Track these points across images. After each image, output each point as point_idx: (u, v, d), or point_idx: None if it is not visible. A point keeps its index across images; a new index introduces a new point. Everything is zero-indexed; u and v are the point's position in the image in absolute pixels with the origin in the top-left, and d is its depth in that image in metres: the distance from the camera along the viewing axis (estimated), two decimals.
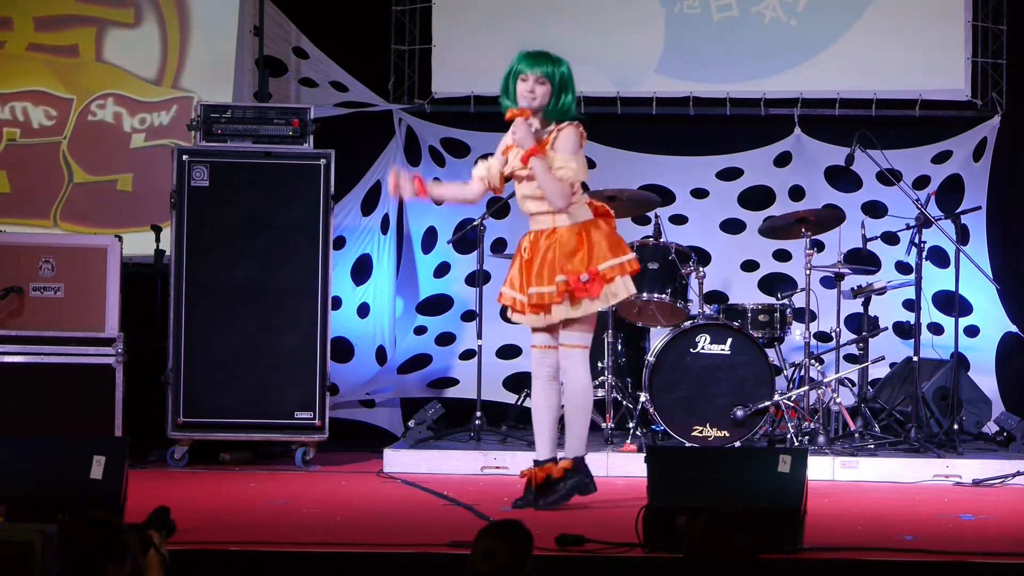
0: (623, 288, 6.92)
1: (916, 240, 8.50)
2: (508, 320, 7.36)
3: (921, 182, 9.53)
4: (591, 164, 9.63)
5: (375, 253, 9.81)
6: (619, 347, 8.79)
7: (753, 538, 4.13)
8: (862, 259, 8.85)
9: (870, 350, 8.79)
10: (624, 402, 8.67)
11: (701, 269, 8.68)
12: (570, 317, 6.84)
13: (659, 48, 9.83)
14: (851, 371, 8.83)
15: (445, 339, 9.80)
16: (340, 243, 9.61)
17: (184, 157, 8.42)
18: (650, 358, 8.40)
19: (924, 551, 5.87)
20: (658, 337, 8.62)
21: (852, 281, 8.84)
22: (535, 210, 6.93)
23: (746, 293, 9.53)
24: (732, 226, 9.84)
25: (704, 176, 9.86)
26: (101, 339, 8.32)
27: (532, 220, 6.97)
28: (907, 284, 8.85)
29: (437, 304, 9.90)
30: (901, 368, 9.16)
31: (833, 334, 8.69)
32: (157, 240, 9.05)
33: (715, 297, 9.47)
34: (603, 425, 8.52)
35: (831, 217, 8.85)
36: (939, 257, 9.45)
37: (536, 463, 7.00)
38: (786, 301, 8.74)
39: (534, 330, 7.02)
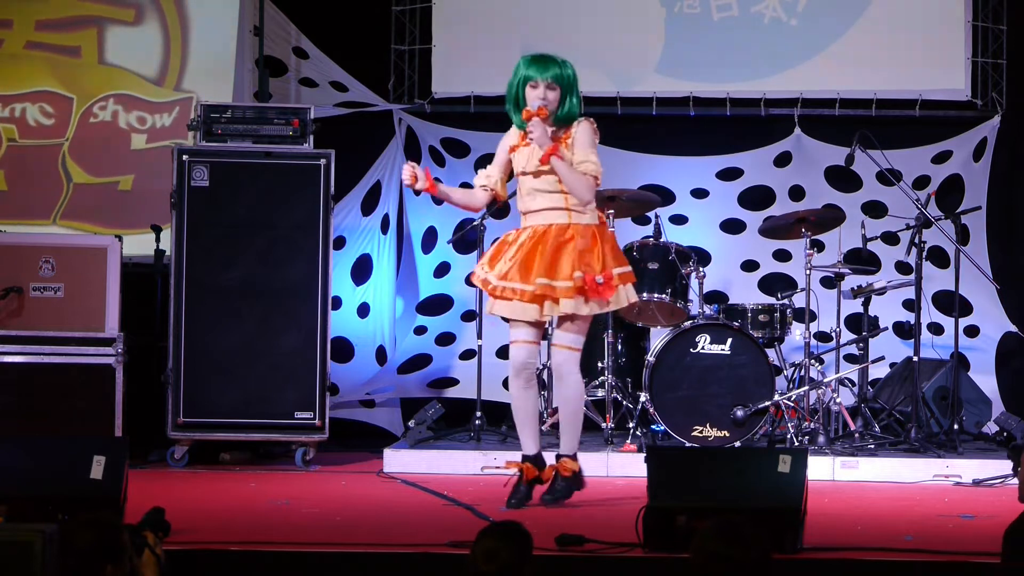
0: (625, 296, 6.96)
1: (916, 240, 8.50)
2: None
3: (921, 182, 9.53)
4: None
5: (375, 253, 9.82)
6: (619, 347, 8.79)
7: (765, 542, 4.10)
8: (862, 259, 8.85)
9: (870, 350, 8.79)
10: (624, 402, 8.67)
11: (701, 269, 8.69)
12: (578, 312, 6.83)
13: (659, 48, 9.83)
14: (851, 371, 8.84)
15: (445, 339, 9.80)
16: (340, 243, 9.61)
17: (184, 157, 8.42)
18: (650, 358, 8.40)
19: (924, 551, 5.87)
20: (658, 337, 8.62)
21: (852, 281, 8.84)
22: (546, 205, 6.91)
23: (746, 293, 9.53)
24: (732, 226, 9.84)
25: (704, 176, 9.86)
26: (101, 339, 8.32)
27: (536, 215, 6.93)
28: (907, 284, 8.85)
29: (437, 304, 9.91)
30: (901, 368, 9.16)
31: (833, 334, 8.69)
32: (157, 240, 9.05)
33: (715, 297, 9.47)
34: (603, 425, 8.52)
35: (831, 217, 8.85)
36: (939, 257, 9.46)
37: (527, 458, 7.01)
38: (786, 301, 8.75)
39: (516, 324, 6.95)
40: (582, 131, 6.92)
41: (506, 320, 7.04)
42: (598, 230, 6.92)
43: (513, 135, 7.06)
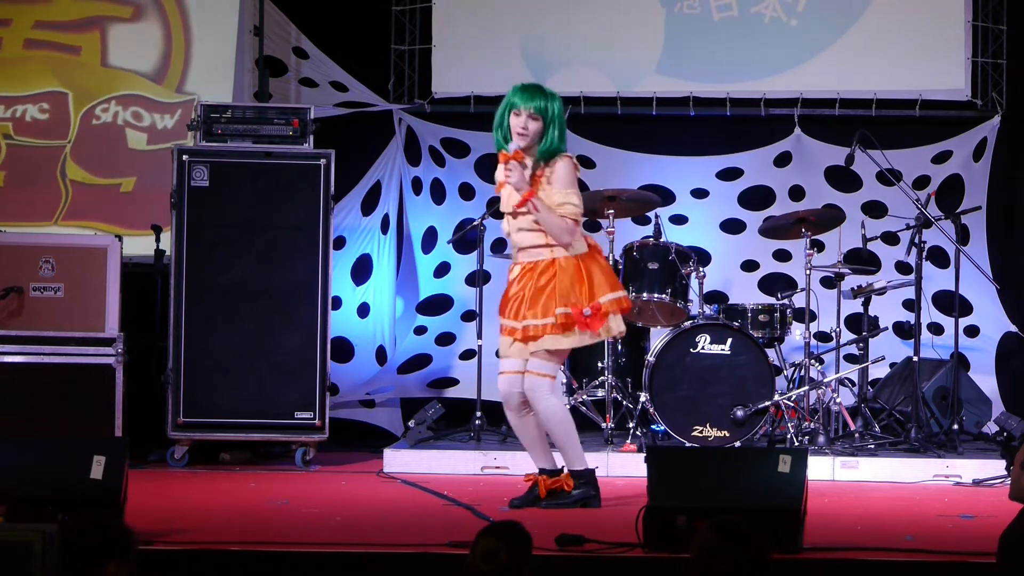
0: (616, 326, 6.92)
1: (916, 240, 8.49)
2: None
3: (921, 182, 9.53)
4: (591, 164, 9.71)
5: (375, 253, 9.81)
6: (619, 347, 8.79)
7: (764, 542, 4.10)
8: (862, 259, 8.85)
9: (870, 350, 8.78)
10: (624, 402, 8.67)
11: (701, 269, 8.68)
12: (558, 347, 6.85)
13: (659, 48, 9.83)
14: (851, 371, 8.83)
15: (445, 339, 9.80)
16: (340, 243, 9.61)
17: (184, 157, 8.42)
18: (650, 358, 8.40)
19: (924, 551, 5.87)
20: (658, 337, 8.61)
21: (852, 281, 8.84)
22: (530, 243, 6.91)
23: (746, 293, 9.53)
24: (732, 226, 9.84)
25: (704, 176, 9.86)
26: (101, 339, 8.31)
27: (523, 252, 6.94)
28: (907, 284, 8.85)
29: (437, 304, 9.90)
30: (901, 368, 9.16)
31: (833, 334, 8.69)
32: (157, 240, 9.05)
33: (715, 297, 9.47)
34: (603, 425, 8.52)
35: (831, 217, 8.85)
36: (939, 257, 9.45)
37: (543, 471, 7.03)
38: (786, 301, 8.74)
39: (503, 356, 7.00)
40: (562, 169, 6.86)
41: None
42: (583, 260, 6.88)
43: (500, 171, 7.00)
